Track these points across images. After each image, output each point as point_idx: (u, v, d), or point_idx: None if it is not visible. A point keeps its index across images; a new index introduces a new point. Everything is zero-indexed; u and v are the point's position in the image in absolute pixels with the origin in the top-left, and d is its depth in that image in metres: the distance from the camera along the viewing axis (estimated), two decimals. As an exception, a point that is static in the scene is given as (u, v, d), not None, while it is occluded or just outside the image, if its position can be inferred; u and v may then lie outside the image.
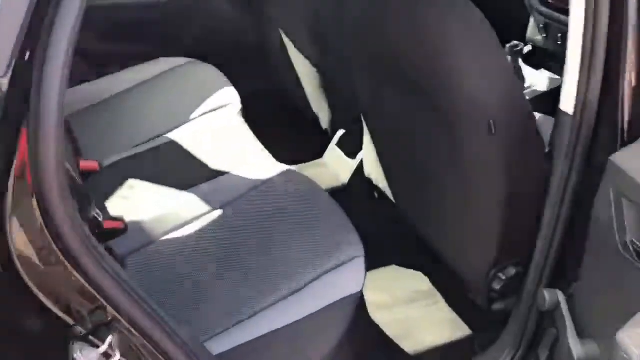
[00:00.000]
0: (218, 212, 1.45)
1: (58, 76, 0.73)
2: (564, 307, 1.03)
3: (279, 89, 2.14)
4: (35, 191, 0.75)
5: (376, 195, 1.76)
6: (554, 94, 1.98)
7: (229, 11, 2.20)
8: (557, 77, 2.06)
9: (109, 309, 0.80)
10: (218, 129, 1.73)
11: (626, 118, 0.94)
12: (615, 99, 0.97)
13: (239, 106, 1.81)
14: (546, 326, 1.21)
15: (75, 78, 1.98)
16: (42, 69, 0.72)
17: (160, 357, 0.87)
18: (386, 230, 1.76)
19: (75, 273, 0.79)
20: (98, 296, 0.80)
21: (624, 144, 0.96)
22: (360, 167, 1.83)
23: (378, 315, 1.67)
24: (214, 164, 1.60)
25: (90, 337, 0.79)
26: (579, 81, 1.02)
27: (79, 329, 0.79)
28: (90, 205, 1.34)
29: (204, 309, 1.25)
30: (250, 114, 1.84)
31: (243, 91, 1.89)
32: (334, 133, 1.98)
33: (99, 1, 2.00)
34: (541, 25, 2.11)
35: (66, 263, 0.79)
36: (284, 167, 1.56)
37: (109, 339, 0.78)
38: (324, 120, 1.97)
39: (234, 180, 1.53)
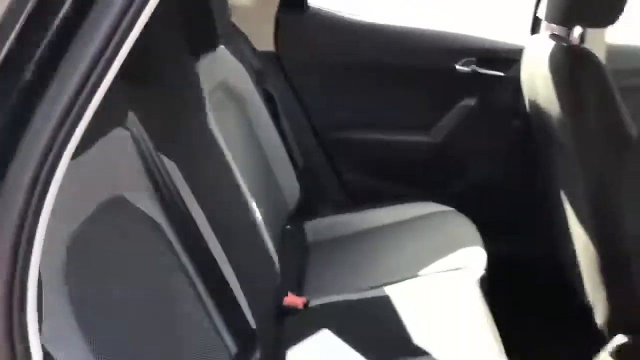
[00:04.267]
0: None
1: None
2: None
3: (545, 260, 1.71)
4: None
5: None
6: None
7: (507, 165, 1.91)
8: None
9: None
10: (445, 295, 1.41)
11: None
12: None
13: (482, 272, 1.47)
14: None
15: (331, 207, 2.00)
16: None
17: None
18: None
19: None
20: None
21: None
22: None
23: None
24: (421, 337, 1.27)
25: None
26: None
27: None
28: (254, 350, 1.16)
29: None
30: (498, 284, 1.47)
31: (500, 254, 1.55)
32: (613, 336, 1.43)
33: (363, 135, 1.95)
34: None
35: None
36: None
37: None
38: (600, 315, 1.45)
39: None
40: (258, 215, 1.44)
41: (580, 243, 1.50)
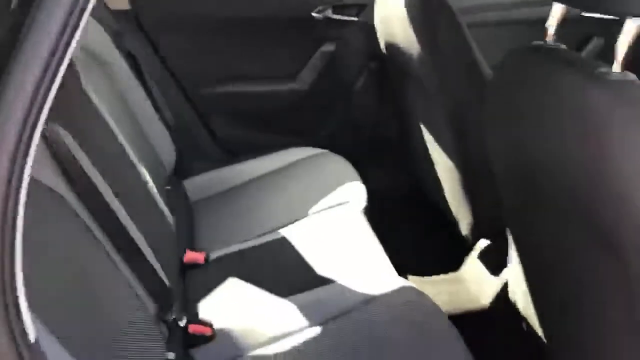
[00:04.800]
0: (317, 330, 1.22)
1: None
2: None
3: (414, 187, 1.91)
4: None
5: (524, 326, 1.40)
6: None
7: (369, 104, 2.06)
8: None
9: None
10: (336, 228, 1.53)
11: None
12: None
13: (364, 204, 1.61)
14: None
15: (207, 163, 2.01)
16: None
17: None
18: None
19: None
20: None
21: None
22: (505, 288, 1.50)
23: None
24: (323, 268, 1.39)
25: None
26: None
27: None
28: (171, 306, 1.19)
29: None
30: (378, 213, 1.62)
31: (374, 186, 1.70)
32: (476, 242, 1.67)
33: (230, 88, 1.97)
34: None
35: None
36: (403, 282, 1.30)
37: None
38: (465, 226, 1.67)
39: (342, 291, 1.30)
40: (147, 177, 1.43)
41: (442, 167, 1.69)
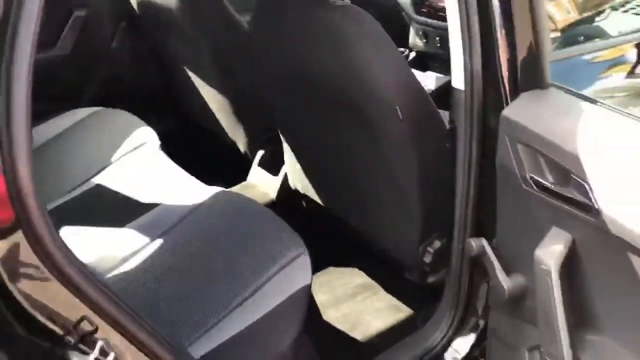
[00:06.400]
0: (159, 242, 1.49)
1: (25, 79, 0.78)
2: (489, 251, 1.19)
3: (192, 123, 2.22)
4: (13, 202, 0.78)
5: (304, 203, 1.87)
6: (442, 90, 2.20)
7: (127, 60, 2.26)
8: (442, 75, 2.29)
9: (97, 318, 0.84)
10: (142, 166, 1.78)
11: (506, 82, 1.13)
12: (495, 70, 1.15)
13: (158, 142, 1.87)
14: (479, 282, 1.36)
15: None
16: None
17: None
18: (319, 235, 1.86)
19: (60, 285, 0.83)
20: (85, 306, 0.84)
21: (508, 103, 1.14)
22: (285, 181, 1.93)
23: (325, 313, 1.77)
24: (145, 197, 1.64)
25: (80, 345, 0.82)
26: (464, 62, 1.20)
27: (68, 338, 0.82)
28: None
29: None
30: (169, 151, 1.89)
31: (157, 131, 1.95)
32: (254, 155, 2.07)
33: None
34: (420, 32, 2.36)
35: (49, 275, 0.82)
36: (215, 188, 1.63)
37: (99, 344, 0.82)
38: (242, 145, 2.06)
39: (169, 208, 1.58)
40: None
41: (214, 103, 2.04)
